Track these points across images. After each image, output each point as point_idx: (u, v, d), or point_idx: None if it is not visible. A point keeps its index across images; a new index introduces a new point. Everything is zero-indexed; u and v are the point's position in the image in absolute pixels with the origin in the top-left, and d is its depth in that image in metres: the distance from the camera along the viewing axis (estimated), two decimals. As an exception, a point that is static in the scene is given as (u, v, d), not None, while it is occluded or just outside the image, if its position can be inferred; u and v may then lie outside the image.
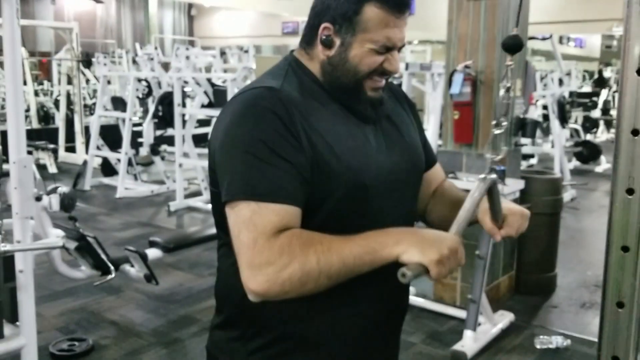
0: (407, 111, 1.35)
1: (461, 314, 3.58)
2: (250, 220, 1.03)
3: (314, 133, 1.11)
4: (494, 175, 1.11)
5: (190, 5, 22.04)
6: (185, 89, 7.54)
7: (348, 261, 1.01)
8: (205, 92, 7.19)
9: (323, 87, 1.19)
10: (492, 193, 1.13)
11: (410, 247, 1.00)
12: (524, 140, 8.23)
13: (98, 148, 7.90)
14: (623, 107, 0.77)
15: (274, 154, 1.06)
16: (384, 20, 1.13)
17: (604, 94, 14.75)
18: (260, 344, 1.18)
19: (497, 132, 1.15)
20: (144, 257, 3.55)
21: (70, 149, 9.45)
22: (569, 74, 10.47)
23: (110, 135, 8.08)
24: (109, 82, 9.44)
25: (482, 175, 1.11)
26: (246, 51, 8.12)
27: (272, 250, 1.01)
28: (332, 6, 1.14)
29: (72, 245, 3.14)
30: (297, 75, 1.19)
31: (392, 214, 1.21)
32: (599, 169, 9.79)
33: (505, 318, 3.73)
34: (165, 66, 10.29)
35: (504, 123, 1.15)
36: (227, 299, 1.24)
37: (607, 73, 16.81)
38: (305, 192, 1.08)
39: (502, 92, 1.16)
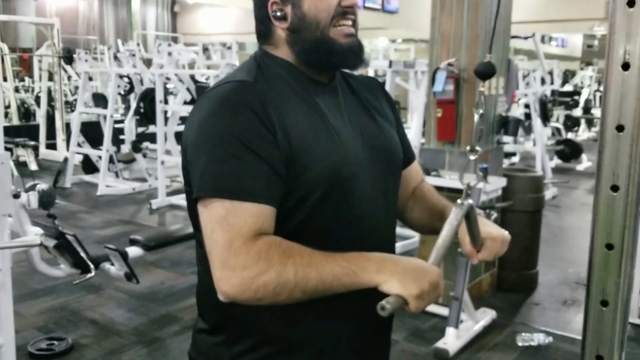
0: (384, 105, 1.33)
1: (443, 311, 3.59)
2: (224, 219, 1.01)
3: (289, 126, 1.08)
4: (470, 201, 1.10)
5: (173, 2, 21.89)
6: (168, 86, 7.48)
7: (326, 279, 0.99)
8: (188, 89, 7.14)
9: (296, 74, 1.17)
10: (469, 218, 1.14)
11: (392, 277, 0.99)
12: (506, 139, 8.29)
13: (79, 145, 7.81)
14: (608, 103, 0.77)
15: (249, 150, 1.03)
16: None
17: (585, 92, 14.91)
18: (244, 348, 1.16)
19: (472, 157, 1.14)
20: (124, 256, 3.51)
21: (51, 146, 9.34)
22: (551, 73, 10.55)
23: (92, 132, 7.99)
24: (90, 79, 9.34)
25: (459, 201, 1.10)
26: (229, 48, 8.07)
27: (249, 254, 0.99)
28: None
29: (51, 243, 3.10)
30: (269, 67, 1.17)
31: (372, 208, 1.19)
32: (580, 167, 9.89)
33: (487, 315, 3.74)
34: (148, 62, 10.20)
35: (478, 149, 1.14)
36: (210, 303, 1.20)
37: (589, 72, 16.99)
38: (280, 189, 1.06)
39: (476, 117, 1.15)
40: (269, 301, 1.01)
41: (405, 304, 0.98)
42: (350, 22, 1.17)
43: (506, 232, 1.24)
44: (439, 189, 3.60)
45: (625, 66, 0.75)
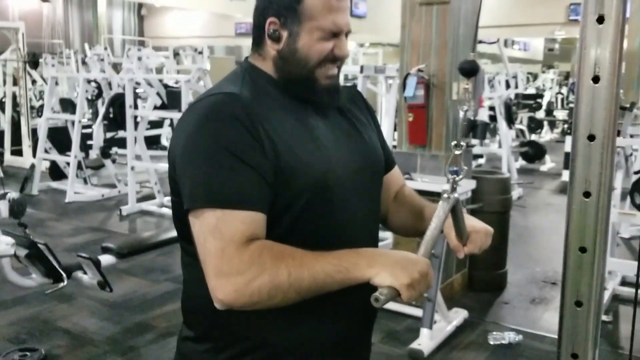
0: (364, 113, 1.36)
1: (417, 312, 3.64)
2: (216, 227, 1.02)
3: (275, 137, 1.10)
4: (456, 194, 1.13)
5: (140, 5, 21.63)
6: (137, 90, 7.41)
7: (319, 278, 1.02)
8: (158, 94, 7.08)
9: (280, 87, 1.19)
10: (455, 211, 1.17)
11: (383, 270, 1.02)
12: (474, 142, 8.43)
13: (46, 151, 7.67)
14: (579, 114, 0.80)
15: (237, 159, 1.05)
16: (327, 5, 1.14)
17: (548, 95, 15.22)
18: (231, 355, 1.17)
19: (457, 152, 1.17)
20: (96, 264, 3.46)
21: (17, 152, 9.15)
22: (515, 76, 10.76)
23: (59, 138, 7.84)
24: (57, 83, 9.19)
25: (445, 195, 1.13)
26: (200, 52, 8.02)
27: (242, 259, 1.00)
28: (274, 0, 1.15)
29: (22, 252, 3.05)
30: (254, 79, 1.19)
31: (356, 214, 1.22)
32: (544, 167, 10.10)
33: (459, 315, 3.81)
34: (116, 67, 10.08)
35: (463, 144, 1.17)
36: (196, 311, 1.22)
37: (550, 75, 17.36)
38: (269, 197, 1.08)
39: (461, 114, 1.18)
40: (264, 305, 1.02)
41: (397, 294, 1.01)
42: (336, 68, 1.21)
43: (489, 226, 1.27)
44: (411, 192, 3.69)
45: (596, 79, 0.79)
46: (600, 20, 0.77)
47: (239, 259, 1.01)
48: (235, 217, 1.03)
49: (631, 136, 5.29)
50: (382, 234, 4.49)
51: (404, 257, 1.05)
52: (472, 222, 1.25)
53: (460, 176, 1.16)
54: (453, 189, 1.14)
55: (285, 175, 1.10)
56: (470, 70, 1.21)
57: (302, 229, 1.13)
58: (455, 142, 1.17)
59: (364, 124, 1.32)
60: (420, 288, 1.03)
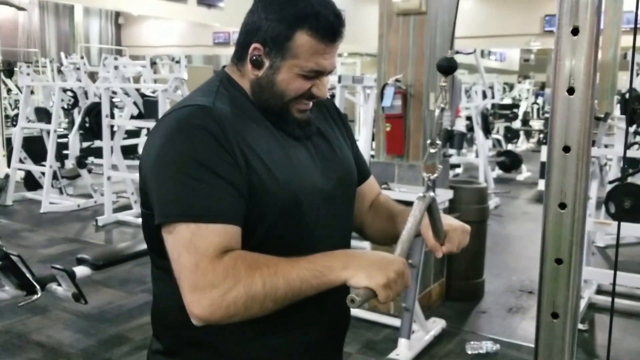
0: (338, 125, 1.35)
1: (395, 322, 3.64)
2: (190, 242, 1.01)
3: (248, 150, 1.09)
4: (432, 193, 1.12)
5: (117, 14, 21.49)
6: (114, 100, 7.33)
7: (295, 285, 1.01)
8: (135, 103, 7.02)
9: (254, 104, 1.18)
10: (432, 211, 1.15)
11: (358, 271, 1.01)
12: (451, 151, 8.49)
13: (21, 161, 7.55)
14: (555, 125, 0.81)
15: (210, 172, 1.03)
16: (314, 48, 1.12)
17: (524, 105, 15.43)
18: None
19: (432, 150, 1.15)
20: (71, 275, 3.40)
21: (-10, 162, 8.99)
22: (491, 87, 10.92)
23: (34, 148, 7.73)
24: (32, 92, 9.07)
25: (421, 194, 1.12)
26: (178, 62, 7.98)
27: (216, 272, 0.99)
28: (264, 28, 1.12)
29: (-6, 264, 2.98)
30: (229, 91, 1.17)
31: (328, 228, 1.21)
32: (520, 177, 10.21)
33: (437, 325, 3.82)
34: (92, 76, 9.99)
35: (438, 142, 1.16)
36: (165, 324, 1.21)
37: (526, 85, 17.61)
38: (243, 209, 1.07)
39: (437, 112, 1.17)
40: (241, 317, 1.01)
41: (374, 295, 1.00)
42: (311, 103, 1.20)
43: (465, 224, 1.26)
44: (389, 202, 3.70)
45: (571, 90, 0.79)
46: (575, 32, 0.78)
47: (213, 272, 0.99)
48: (210, 230, 1.01)
49: (605, 146, 5.38)
50: (360, 243, 4.49)
51: (379, 257, 1.04)
52: (449, 221, 1.24)
53: (436, 174, 1.15)
54: (429, 188, 1.13)
55: (257, 190, 1.09)
56: (448, 68, 1.20)
57: (273, 243, 1.12)
58: (430, 140, 1.16)
59: (337, 137, 1.32)
60: (397, 288, 1.02)
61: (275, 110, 1.17)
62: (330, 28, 1.12)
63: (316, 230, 1.18)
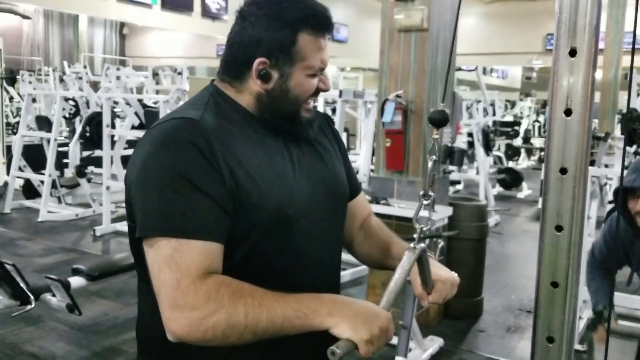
0: (330, 139, 1.35)
1: (392, 340, 3.60)
2: (172, 258, 0.99)
3: (235, 165, 1.08)
4: (422, 245, 1.12)
5: (122, 24, 21.61)
6: (115, 110, 7.34)
7: (277, 321, 0.99)
8: (136, 113, 7.03)
9: (249, 117, 1.17)
10: (421, 262, 1.16)
11: (343, 321, 1.00)
12: (451, 168, 8.48)
13: (20, 169, 7.54)
14: (551, 147, 0.80)
15: (193, 187, 1.02)
16: (317, 45, 1.15)
17: (525, 123, 15.46)
18: None
19: (425, 202, 1.16)
20: (66, 286, 3.38)
21: (-10, 170, 8.99)
22: (493, 104, 10.94)
23: (34, 156, 7.73)
24: (34, 101, 9.08)
25: (412, 245, 1.12)
26: (179, 73, 8.01)
27: (198, 294, 0.98)
28: (265, 40, 1.12)
29: (-12, 273, 2.96)
30: (219, 105, 1.16)
31: (317, 243, 1.20)
32: (520, 194, 10.19)
33: (435, 343, 3.78)
34: (94, 85, 10.01)
35: (432, 194, 1.16)
36: (148, 339, 1.20)
37: (528, 103, 17.66)
38: (227, 226, 1.06)
39: (430, 164, 1.16)
40: (218, 342, 0.99)
41: (355, 348, 0.99)
42: (316, 101, 1.22)
43: (455, 275, 1.27)
44: (388, 217, 3.68)
45: (568, 112, 0.78)
46: (573, 53, 0.77)
47: (194, 293, 0.98)
48: (192, 247, 1.00)
49: (606, 166, 5.37)
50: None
51: (365, 309, 1.03)
52: (438, 271, 1.24)
53: (428, 226, 1.16)
54: (420, 239, 1.13)
55: (244, 205, 1.07)
56: (440, 121, 1.20)
57: (258, 258, 1.11)
58: (422, 191, 1.16)
59: (330, 151, 1.31)
60: (379, 343, 1.01)
61: (289, 116, 1.18)
62: (326, 21, 1.16)
63: (304, 246, 1.17)
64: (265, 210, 1.09)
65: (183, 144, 1.05)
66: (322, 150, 1.29)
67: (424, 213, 1.17)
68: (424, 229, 1.14)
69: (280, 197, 1.12)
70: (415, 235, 1.13)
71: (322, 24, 1.15)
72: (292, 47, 1.12)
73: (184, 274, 0.98)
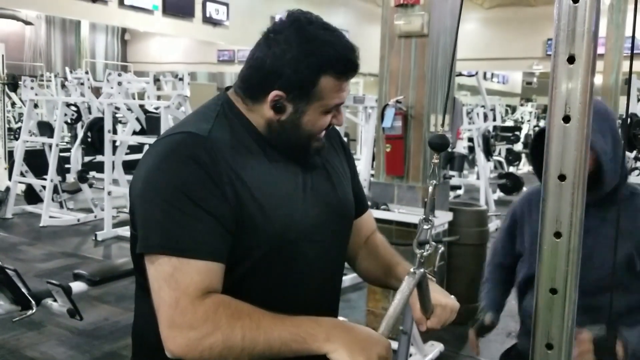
0: (339, 153, 1.34)
1: (392, 345, 3.60)
2: (172, 277, 0.99)
3: (240, 184, 1.07)
4: (422, 270, 1.12)
5: (124, 30, 21.66)
6: (117, 115, 7.36)
7: (274, 345, 0.98)
8: (137, 119, 7.04)
9: (258, 136, 1.15)
10: (421, 287, 1.15)
11: (341, 347, 0.99)
12: (451, 173, 8.49)
13: (22, 174, 7.56)
14: (550, 153, 0.80)
15: (195, 205, 1.02)
16: (338, 86, 1.12)
17: (525, 128, 15.47)
18: None
19: (426, 227, 1.14)
20: (67, 291, 3.38)
21: (-8, 175, 9.00)
22: (493, 109, 10.95)
23: (36, 161, 7.75)
24: (36, 106, 9.10)
25: (412, 270, 1.11)
26: (181, 79, 8.03)
27: (196, 314, 0.98)
28: (286, 74, 1.09)
29: (-11, 278, 2.96)
30: (230, 120, 1.14)
31: (318, 268, 1.20)
32: (522, 200, 10.17)
33: (435, 348, 3.78)
34: (96, 91, 10.04)
35: (432, 219, 1.15)
36: (143, 345, 1.21)
37: (528, 108, 17.66)
38: (227, 244, 1.05)
39: (430, 189, 1.14)
40: None
41: None
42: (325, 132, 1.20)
43: (455, 300, 1.26)
44: (388, 222, 3.68)
45: (566, 119, 0.78)
46: (571, 60, 0.78)
47: (192, 313, 0.98)
48: (192, 266, 1.00)
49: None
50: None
51: (364, 335, 1.02)
52: (439, 297, 1.23)
53: (429, 251, 1.14)
54: (420, 264, 1.12)
55: (245, 225, 1.07)
56: (440, 146, 1.19)
57: (258, 278, 1.11)
58: (423, 216, 1.14)
59: (338, 171, 1.30)
60: None
61: (298, 147, 1.16)
62: (352, 67, 1.13)
63: (304, 269, 1.17)
64: (266, 233, 1.09)
65: (186, 160, 1.04)
66: (331, 170, 1.27)
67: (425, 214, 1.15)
68: (424, 253, 1.13)
69: (284, 221, 1.11)
70: (415, 260, 1.12)
71: (347, 69, 1.12)
72: (312, 88, 1.10)
73: (183, 293, 0.98)
